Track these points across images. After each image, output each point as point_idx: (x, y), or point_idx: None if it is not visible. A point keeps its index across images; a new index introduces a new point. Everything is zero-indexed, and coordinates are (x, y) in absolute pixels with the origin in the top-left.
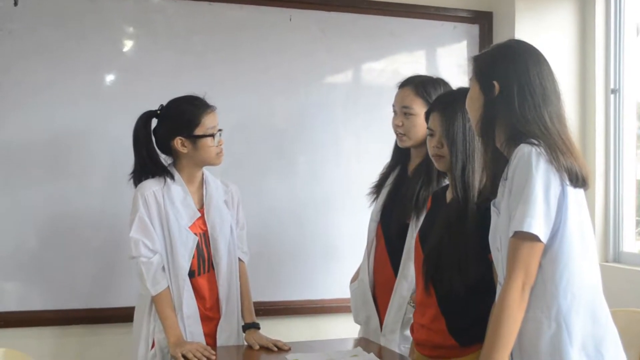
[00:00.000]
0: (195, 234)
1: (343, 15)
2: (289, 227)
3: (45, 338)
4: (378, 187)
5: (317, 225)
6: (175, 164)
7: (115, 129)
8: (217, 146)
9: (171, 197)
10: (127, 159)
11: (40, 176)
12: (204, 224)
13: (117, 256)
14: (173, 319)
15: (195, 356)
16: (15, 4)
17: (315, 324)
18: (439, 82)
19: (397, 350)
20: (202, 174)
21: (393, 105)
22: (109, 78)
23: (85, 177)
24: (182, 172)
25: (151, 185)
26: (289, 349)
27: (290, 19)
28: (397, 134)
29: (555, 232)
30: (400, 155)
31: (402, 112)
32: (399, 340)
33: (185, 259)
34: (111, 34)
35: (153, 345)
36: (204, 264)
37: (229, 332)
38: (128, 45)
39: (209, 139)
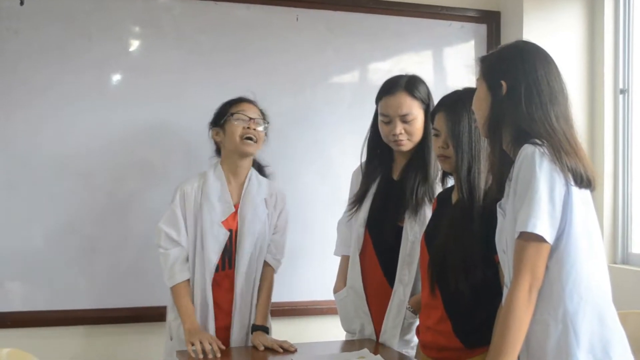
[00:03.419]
0: (229, 229)
1: (350, 14)
2: (295, 227)
3: (51, 338)
4: (359, 200)
5: (324, 225)
6: (220, 158)
7: (121, 128)
8: (244, 127)
9: (207, 192)
10: (132, 159)
11: (46, 175)
12: (236, 219)
13: (123, 256)
14: (190, 307)
15: (203, 345)
16: (22, 3)
17: (322, 325)
18: (418, 78)
19: None
20: (249, 171)
21: (385, 115)
22: (115, 77)
23: (90, 177)
24: (224, 165)
25: (192, 181)
26: (295, 350)
27: (297, 19)
28: (394, 141)
29: (561, 232)
30: (380, 163)
31: (401, 119)
32: (399, 345)
33: (215, 253)
34: (117, 34)
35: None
36: (229, 260)
37: (239, 329)
38: (134, 44)
39: (234, 122)
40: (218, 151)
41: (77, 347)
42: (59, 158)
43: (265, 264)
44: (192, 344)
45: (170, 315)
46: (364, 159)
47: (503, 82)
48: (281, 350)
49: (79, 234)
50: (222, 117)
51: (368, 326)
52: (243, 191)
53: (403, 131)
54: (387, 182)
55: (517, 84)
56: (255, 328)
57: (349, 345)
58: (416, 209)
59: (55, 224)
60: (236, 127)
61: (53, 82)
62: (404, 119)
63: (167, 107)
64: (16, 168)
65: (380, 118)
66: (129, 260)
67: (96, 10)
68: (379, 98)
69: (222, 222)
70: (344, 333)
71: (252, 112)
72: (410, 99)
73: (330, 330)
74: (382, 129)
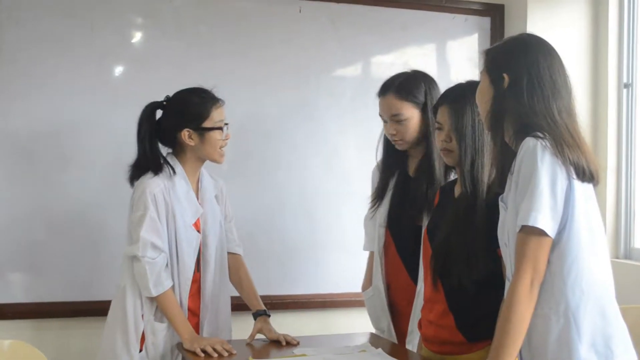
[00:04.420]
0: (198, 231)
1: (353, 7)
2: (296, 220)
3: (52, 330)
4: (379, 196)
5: (327, 218)
6: (177, 156)
7: (122, 120)
8: (224, 140)
9: (177, 193)
10: (133, 151)
11: (46, 167)
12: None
13: (124, 248)
14: (182, 315)
15: (215, 350)
16: None
17: (324, 318)
18: (419, 77)
19: None
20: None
21: (380, 115)
22: (116, 69)
23: (90, 169)
24: (185, 165)
25: (158, 182)
26: (298, 344)
27: (300, 10)
28: (393, 141)
29: (563, 226)
30: (396, 159)
31: (393, 120)
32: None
33: (190, 258)
34: (118, 25)
35: (141, 349)
36: (198, 261)
37: (214, 328)
38: (135, 36)
39: (217, 132)
40: (171, 143)
41: (80, 339)
42: (59, 149)
43: (232, 253)
44: (203, 351)
45: (139, 326)
46: (379, 157)
47: (505, 75)
48: (284, 342)
49: (81, 226)
50: (200, 120)
51: (391, 326)
52: (200, 191)
53: (395, 132)
54: (404, 179)
55: (520, 77)
56: (257, 314)
57: (351, 339)
58: (431, 210)
59: (55, 215)
60: (218, 140)
61: (54, 72)
62: (395, 119)
63: None
64: (17, 160)
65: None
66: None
67: (97, 1)
68: (378, 97)
69: (192, 225)
70: (347, 325)
71: (224, 116)
72: (399, 100)
73: (334, 324)
74: (384, 128)
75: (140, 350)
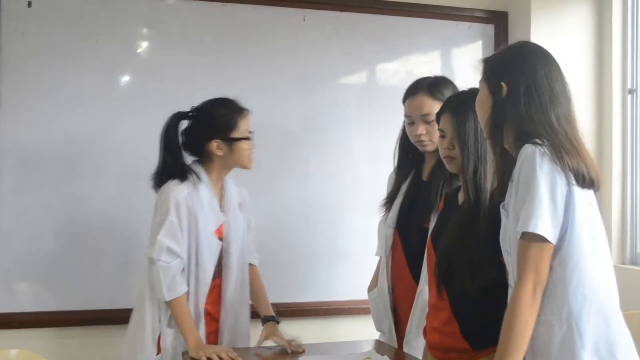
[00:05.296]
0: (219, 238)
1: (357, 15)
2: (301, 228)
3: (59, 339)
4: (391, 199)
5: (330, 226)
6: (203, 165)
7: (128, 129)
8: (250, 149)
9: (200, 200)
10: (140, 160)
11: (53, 176)
12: (221, 228)
13: (131, 257)
14: (191, 322)
15: (221, 358)
16: (29, 5)
17: (327, 325)
18: (445, 80)
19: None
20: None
21: (408, 116)
22: (122, 79)
23: (98, 178)
24: (211, 174)
25: (182, 189)
26: (303, 351)
27: (304, 20)
28: (418, 142)
29: (564, 232)
30: (411, 163)
31: (423, 120)
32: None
33: (210, 264)
34: (124, 35)
35: (158, 352)
36: (218, 268)
37: (233, 334)
38: (141, 46)
39: (245, 142)
40: (198, 153)
41: (86, 349)
42: (66, 158)
43: (249, 264)
44: (209, 359)
45: (156, 331)
46: (396, 161)
47: (503, 84)
48: (290, 350)
49: (87, 235)
50: (228, 130)
51: (393, 327)
52: (224, 198)
53: (425, 132)
54: (416, 182)
55: (517, 86)
56: (266, 319)
57: (355, 346)
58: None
59: (62, 224)
60: (246, 149)
61: (60, 83)
62: (426, 120)
63: (174, 108)
64: (24, 169)
65: (405, 120)
66: (138, 260)
67: (103, 12)
68: (404, 100)
69: (214, 232)
70: (350, 333)
71: (250, 125)
72: (431, 99)
73: (337, 331)
74: (408, 130)
75: (158, 353)
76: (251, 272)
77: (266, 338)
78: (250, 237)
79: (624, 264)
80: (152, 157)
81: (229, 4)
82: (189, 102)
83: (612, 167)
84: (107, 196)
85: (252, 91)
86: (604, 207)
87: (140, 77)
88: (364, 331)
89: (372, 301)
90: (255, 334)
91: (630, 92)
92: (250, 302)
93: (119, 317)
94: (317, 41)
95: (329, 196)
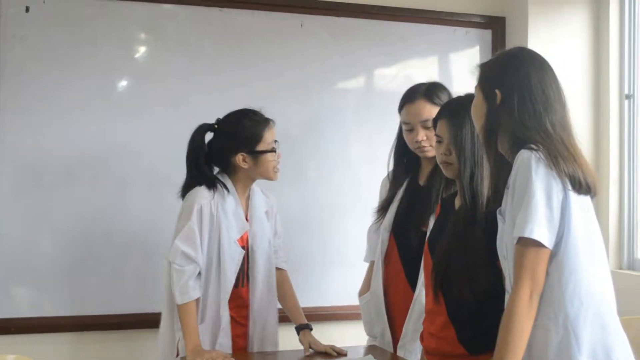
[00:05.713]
0: (243, 246)
1: (354, 20)
2: (298, 232)
3: (57, 344)
4: (386, 207)
5: (327, 231)
6: (230, 176)
7: (126, 134)
8: (276, 160)
9: (225, 208)
10: (139, 164)
11: (52, 181)
12: (246, 236)
13: (130, 262)
14: (194, 327)
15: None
16: (27, 10)
17: (325, 331)
18: (440, 85)
19: None
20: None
21: (407, 123)
22: (120, 83)
23: (96, 182)
24: (237, 185)
25: (207, 195)
26: (346, 354)
27: (302, 25)
28: (418, 148)
29: (560, 238)
30: (406, 169)
31: (422, 125)
32: (420, 350)
33: (232, 272)
34: (122, 40)
35: (177, 354)
36: (243, 276)
37: (261, 339)
38: (139, 50)
39: (270, 154)
40: (223, 165)
41: (84, 354)
42: (65, 163)
43: (277, 269)
44: None
45: (176, 333)
46: (390, 167)
47: (497, 91)
48: (335, 354)
49: (86, 240)
50: (254, 143)
51: (387, 331)
52: (249, 207)
53: (425, 137)
54: (413, 187)
55: (511, 93)
56: (300, 327)
57: (353, 352)
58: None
59: (61, 229)
60: (271, 161)
61: (58, 87)
62: (425, 125)
63: (171, 112)
64: (22, 173)
65: (403, 127)
66: (136, 265)
67: (101, 17)
68: (400, 107)
69: (237, 240)
70: (348, 338)
71: (274, 135)
72: (429, 105)
73: (335, 337)
74: (406, 137)
75: (177, 355)
76: (281, 276)
77: (310, 347)
78: (278, 242)
79: (621, 269)
80: (150, 160)
81: (227, 10)
82: (186, 106)
83: (609, 172)
84: (105, 201)
85: (249, 96)
86: (601, 212)
87: (138, 82)
88: (362, 337)
89: (364, 305)
90: (282, 337)
91: (627, 97)
92: (278, 306)
93: (116, 323)
94: (314, 46)
95: (327, 200)
